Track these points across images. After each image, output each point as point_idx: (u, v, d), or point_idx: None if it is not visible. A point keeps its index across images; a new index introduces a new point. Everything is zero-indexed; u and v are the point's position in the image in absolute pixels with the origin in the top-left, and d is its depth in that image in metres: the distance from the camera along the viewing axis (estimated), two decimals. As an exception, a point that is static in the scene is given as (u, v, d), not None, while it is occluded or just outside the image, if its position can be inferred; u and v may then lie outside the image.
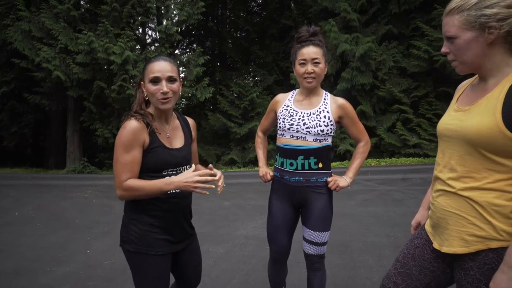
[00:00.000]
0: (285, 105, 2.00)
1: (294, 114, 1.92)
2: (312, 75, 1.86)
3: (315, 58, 1.84)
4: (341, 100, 1.94)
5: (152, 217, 1.55)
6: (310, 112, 1.90)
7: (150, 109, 1.61)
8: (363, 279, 2.86)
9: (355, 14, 11.22)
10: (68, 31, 10.61)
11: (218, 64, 17.27)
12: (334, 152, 11.18)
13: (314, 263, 1.93)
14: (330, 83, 11.59)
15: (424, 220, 1.50)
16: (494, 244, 1.09)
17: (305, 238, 1.95)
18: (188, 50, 18.23)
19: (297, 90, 2.06)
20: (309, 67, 1.84)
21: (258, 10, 18.08)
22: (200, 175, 1.42)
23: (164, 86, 1.51)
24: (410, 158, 10.26)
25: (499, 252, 1.09)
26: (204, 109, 15.01)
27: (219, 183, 1.56)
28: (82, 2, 12.09)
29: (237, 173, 10.02)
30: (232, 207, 5.44)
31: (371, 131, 11.37)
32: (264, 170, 2.09)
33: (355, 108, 11.30)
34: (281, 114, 1.98)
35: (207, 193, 1.44)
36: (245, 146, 12.49)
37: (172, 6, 11.58)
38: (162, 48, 11.46)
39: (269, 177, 2.06)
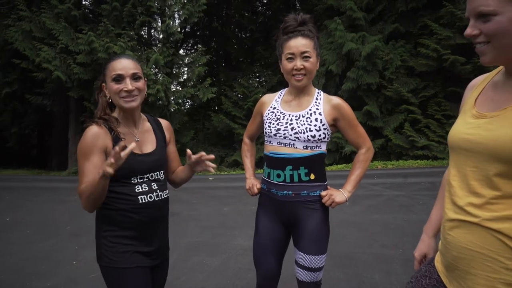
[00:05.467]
0: (271, 107, 1.74)
1: (281, 117, 1.66)
2: (302, 72, 1.58)
3: (305, 52, 1.56)
4: (336, 100, 1.65)
5: (123, 229, 1.41)
6: (299, 115, 1.63)
7: (115, 113, 1.48)
8: (368, 298, 2.60)
9: (361, 12, 10.94)
10: (69, 31, 10.44)
11: (223, 64, 17.08)
12: (340, 154, 10.86)
13: (309, 292, 1.65)
14: (335, 83, 11.31)
15: (431, 252, 1.21)
16: None
17: (297, 262, 1.66)
18: (193, 51, 18.06)
19: (285, 89, 1.79)
20: (298, 63, 1.57)
21: (263, 9, 17.85)
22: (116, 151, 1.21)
23: (129, 84, 1.40)
24: (418, 160, 9.91)
25: None
26: (208, 109, 14.81)
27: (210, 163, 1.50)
28: (84, 2, 11.94)
29: (239, 175, 9.74)
30: (231, 213, 5.18)
31: (377, 132, 11.04)
32: (251, 182, 1.80)
33: (361, 108, 11.11)
34: (267, 117, 1.71)
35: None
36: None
37: (174, 2, 11.36)
38: (164, 47, 11.26)
39: (256, 190, 1.77)
